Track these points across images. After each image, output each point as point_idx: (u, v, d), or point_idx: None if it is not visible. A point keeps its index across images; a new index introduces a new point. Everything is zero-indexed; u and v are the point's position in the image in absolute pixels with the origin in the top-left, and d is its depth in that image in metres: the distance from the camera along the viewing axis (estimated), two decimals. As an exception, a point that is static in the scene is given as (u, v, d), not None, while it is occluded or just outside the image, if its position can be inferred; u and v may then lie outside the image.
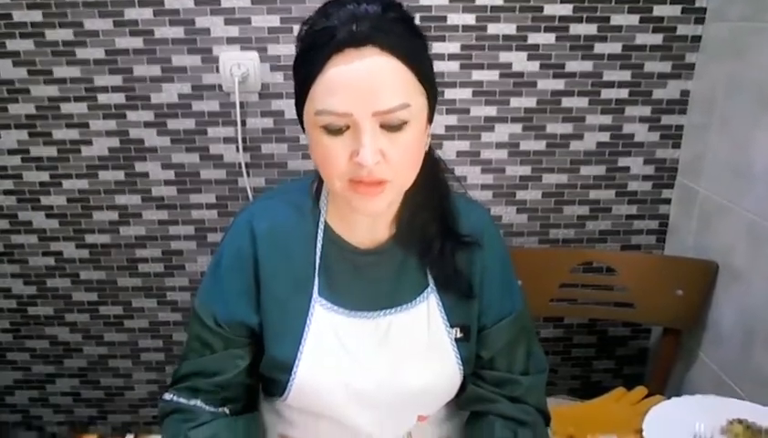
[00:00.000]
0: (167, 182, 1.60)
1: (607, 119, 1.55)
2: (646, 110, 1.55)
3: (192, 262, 1.66)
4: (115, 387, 1.81)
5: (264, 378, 0.87)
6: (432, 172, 0.82)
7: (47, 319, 1.73)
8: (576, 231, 1.64)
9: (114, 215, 1.62)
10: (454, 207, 0.85)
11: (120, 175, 1.58)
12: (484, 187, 1.60)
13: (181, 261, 1.66)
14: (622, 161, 1.59)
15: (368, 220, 0.82)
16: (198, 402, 0.81)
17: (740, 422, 0.92)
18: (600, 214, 1.64)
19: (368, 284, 0.84)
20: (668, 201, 1.63)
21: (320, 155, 0.71)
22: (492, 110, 1.54)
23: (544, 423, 0.87)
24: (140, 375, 1.79)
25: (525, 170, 1.59)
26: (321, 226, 0.83)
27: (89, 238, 1.65)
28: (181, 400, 0.82)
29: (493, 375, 0.85)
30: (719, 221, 1.41)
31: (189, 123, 1.55)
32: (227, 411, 0.83)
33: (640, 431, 0.91)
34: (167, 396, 0.83)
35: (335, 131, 0.69)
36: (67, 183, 1.60)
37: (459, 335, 0.84)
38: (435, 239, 0.83)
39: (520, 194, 1.61)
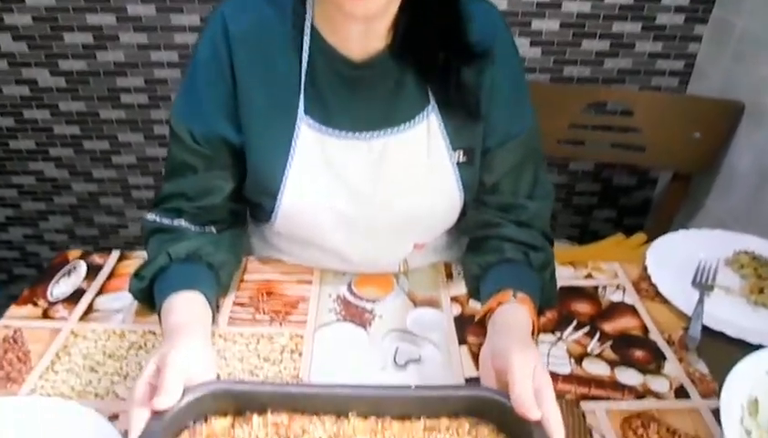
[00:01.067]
0: (144, 0, 1.42)
1: (642, -62, 1.34)
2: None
3: (177, 92, 1.54)
4: (109, 225, 1.80)
5: (250, 202, 0.81)
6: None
7: (30, 154, 1.66)
8: (593, 69, 1.51)
9: (88, 38, 1.47)
10: (463, 11, 0.72)
11: (89, -10, 1.41)
12: (497, 15, 1.43)
13: (165, 91, 1.55)
14: (654, -11, 1.41)
15: (360, 26, 0.70)
16: (182, 222, 0.76)
17: (746, 253, 0.88)
18: (621, 51, 1.49)
19: (360, 101, 0.74)
20: (698, 38, 1.47)
21: None
22: None
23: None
24: (133, 213, 1.77)
25: (544, -5, 1.41)
26: (307, 31, 0.72)
27: (63, 64, 1.51)
28: (164, 220, 0.77)
29: (498, 200, 0.79)
30: (754, 58, 1.29)
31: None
32: (213, 230, 0.78)
33: (643, 265, 0.88)
34: (149, 216, 0.78)
35: None
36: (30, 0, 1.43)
37: (462, 159, 0.76)
38: (438, 50, 0.71)
39: (535, 24, 1.45)
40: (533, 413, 0.51)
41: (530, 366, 0.54)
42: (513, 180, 0.79)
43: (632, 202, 1.71)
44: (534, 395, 0.52)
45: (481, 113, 0.74)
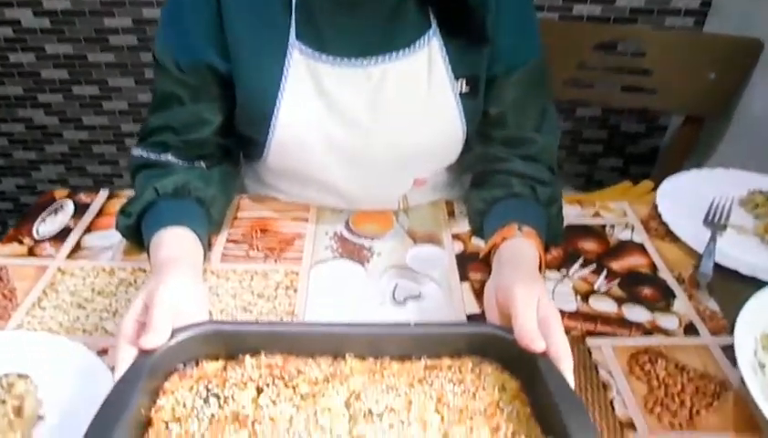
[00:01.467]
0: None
1: None
2: None
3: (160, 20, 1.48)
4: (103, 174, 1.76)
5: (241, 137, 0.77)
6: None
7: (18, 100, 1.61)
8: (604, 7, 1.43)
9: (70, -26, 1.40)
10: None
11: None
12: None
13: (155, 32, 1.47)
14: None
15: None
16: (169, 157, 0.72)
17: (762, 193, 0.85)
18: (634, -12, 1.41)
19: (357, 25, 0.69)
20: (716, -27, 1.39)
21: None
22: None
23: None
24: (127, 161, 1.73)
25: None
26: (296, -57, 0.66)
27: (47, 3, 1.44)
28: (151, 155, 0.73)
29: (504, 134, 0.75)
30: (775, -8, 1.21)
31: None
32: (203, 165, 0.74)
33: (652, 204, 0.85)
34: (135, 151, 0.74)
35: None
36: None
37: (465, 89, 0.71)
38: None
39: (545, -42, 1.37)
40: (536, 345, 0.48)
41: (534, 297, 0.52)
42: (519, 112, 0.75)
43: (639, 150, 1.67)
44: (538, 327, 0.49)
45: (486, 36, 0.69)
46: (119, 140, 1.68)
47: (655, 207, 0.84)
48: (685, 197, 0.85)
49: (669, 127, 1.61)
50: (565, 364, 0.47)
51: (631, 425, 0.55)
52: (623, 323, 0.67)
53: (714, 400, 0.58)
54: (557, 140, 0.78)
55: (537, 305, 0.51)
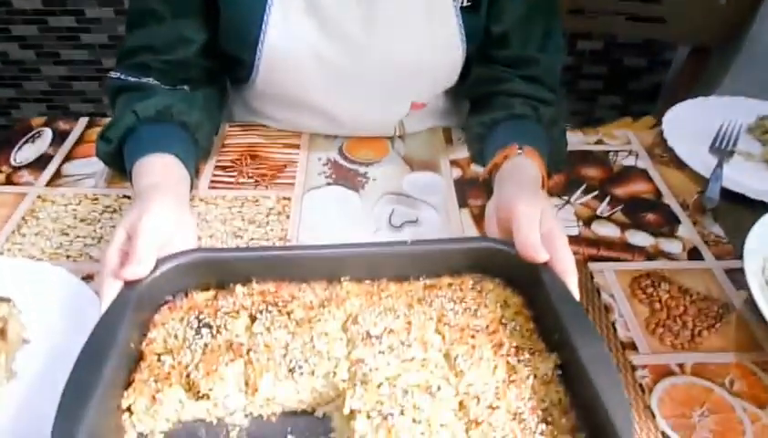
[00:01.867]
0: None
1: None
2: None
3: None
4: (86, 113, 1.69)
5: (226, 59, 0.72)
6: None
7: (-9, 32, 1.53)
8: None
9: None
10: None
11: None
12: None
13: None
14: None
15: None
16: (150, 80, 0.68)
17: (771, 119, 0.82)
18: None
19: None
20: None
21: None
22: None
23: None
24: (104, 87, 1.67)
25: None
26: None
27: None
28: (130, 77, 0.68)
29: (507, 54, 0.70)
30: None
31: None
32: (186, 88, 0.70)
33: (657, 131, 0.82)
34: (113, 73, 0.69)
35: None
36: None
37: (466, 2, 0.67)
38: None
39: None
40: (540, 255, 0.46)
41: (537, 211, 0.49)
42: (523, 30, 0.70)
43: (641, 86, 1.62)
44: (542, 241, 0.47)
45: None
46: (101, 77, 1.61)
47: (660, 134, 0.81)
48: (691, 124, 0.82)
49: (673, 61, 1.56)
50: (571, 278, 0.46)
51: (633, 346, 0.54)
52: (626, 248, 0.65)
53: (717, 321, 0.57)
54: (562, 60, 0.74)
55: (540, 219, 0.49)
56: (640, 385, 0.51)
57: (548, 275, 0.45)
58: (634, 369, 0.53)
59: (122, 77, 0.68)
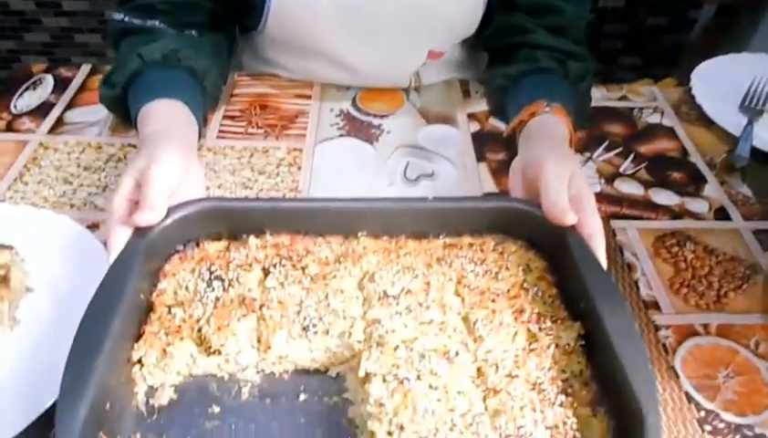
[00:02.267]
0: None
1: None
2: None
3: None
4: (90, 67, 1.66)
5: (236, 4, 0.68)
6: None
7: (-12, -20, 1.48)
8: None
9: None
10: None
11: None
12: None
13: None
14: None
15: None
16: (156, 23, 0.64)
17: (806, 77, 0.78)
18: None
19: None
20: None
21: None
22: None
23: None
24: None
25: None
26: None
27: None
28: (135, 20, 0.64)
29: (528, 1, 0.66)
30: None
31: None
32: (193, 33, 0.66)
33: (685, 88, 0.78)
34: (116, 16, 0.65)
35: None
36: None
37: (488, -56, 0.62)
38: None
39: None
40: (568, 218, 0.43)
41: (566, 173, 0.46)
42: (547, -25, 0.66)
43: (662, 46, 1.56)
44: (569, 204, 0.45)
45: None
46: (104, 29, 1.56)
47: (687, 91, 0.77)
48: (721, 81, 0.78)
49: (698, 20, 1.50)
50: (598, 243, 0.43)
51: (656, 305, 0.53)
52: (650, 206, 0.62)
53: (743, 283, 0.55)
54: (587, 12, 0.70)
55: (569, 181, 0.46)
56: (663, 345, 0.50)
57: (575, 238, 0.43)
58: (657, 328, 0.51)
59: (126, 19, 0.64)
